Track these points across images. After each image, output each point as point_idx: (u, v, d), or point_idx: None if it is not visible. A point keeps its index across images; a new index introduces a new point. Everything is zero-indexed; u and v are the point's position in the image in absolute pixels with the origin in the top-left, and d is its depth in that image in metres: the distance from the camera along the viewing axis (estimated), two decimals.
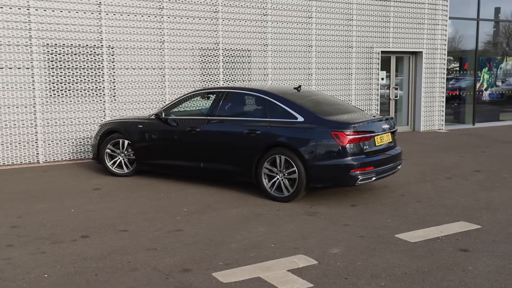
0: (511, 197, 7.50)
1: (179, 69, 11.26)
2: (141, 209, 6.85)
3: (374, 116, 7.68)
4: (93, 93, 10.40)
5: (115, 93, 10.63)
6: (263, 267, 4.87)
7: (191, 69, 11.41)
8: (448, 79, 17.73)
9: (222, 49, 11.72)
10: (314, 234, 5.83)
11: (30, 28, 9.70)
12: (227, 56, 11.80)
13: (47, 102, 9.98)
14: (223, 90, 8.12)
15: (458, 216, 6.52)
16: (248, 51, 12.13)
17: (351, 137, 6.81)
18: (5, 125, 9.64)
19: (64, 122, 10.17)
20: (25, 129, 9.83)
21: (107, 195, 7.59)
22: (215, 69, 11.70)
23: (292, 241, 5.59)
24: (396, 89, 14.84)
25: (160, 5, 10.90)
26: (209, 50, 11.61)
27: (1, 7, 9.45)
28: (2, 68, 9.54)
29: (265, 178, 7.29)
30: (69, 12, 10.00)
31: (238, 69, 11.99)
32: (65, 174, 9.05)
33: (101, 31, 10.34)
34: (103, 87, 10.49)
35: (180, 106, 8.50)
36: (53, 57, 9.97)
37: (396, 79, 15.11)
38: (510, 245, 5.46)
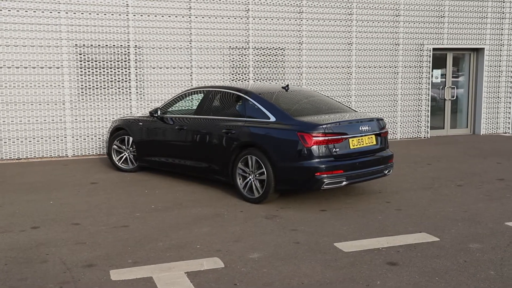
0: (508, 210, 6.75)
1: (207, 68, 11.39)
2: (113, 204, 7.05)
3: (362, 117, 7.25)
4: (120, 91, 10.85)
5: (142, 91, 11.01)
6: (165, 267, 4.83)
7: (219, 68, 11.50)
8: None
9: (253, 48, 11.67)
10: (250, 238, 5.66)
11: (60, 30, 10.32)
12: (257, 55, 11.75)
13: (76, 99, 10.58)
14: (210, 89, 8.13)
15: (425, 227, 6.00)
16: (281, 49, 11.98)
17: (317, 138, 6.51)
18: (36, 120, 10.36)
19: (92, 119, 10.72)
20: (55, 125, 10.49)
21: (96, 190, 7.90)
22: (245, 68, 11.69)
23: (222, 243, 5.47)
24: (453, 88, 13.86)
25: (188, 5, 11.10)
26: (239, 49, 11.62)
27: (34, 11, 10.15)
28: (34, 68, 10.26)
29: (239, 179, 7.20)
30: (97, 14, 10.51)
31: (269, 68, 11.89)
32: (79, 168, 9.53)
33: (128, 31, 10.75)
34: (130, 86, 10.90)
35: (176, 104, 8.62)
36: (81, 57, 10.54)
37: (454, 78, 14.10)
38: (449, 261, 4.94)
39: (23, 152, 10.35)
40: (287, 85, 7.83)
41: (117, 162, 9.15)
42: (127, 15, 10.72)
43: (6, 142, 10.22)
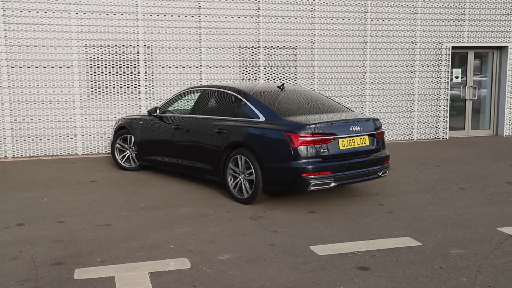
0: (505, 215, 6.46)
1: (216, 67, 11.36)
2: (104, 203, 7.08)
3: (354, 117, 7.06)
4: (129, 91, 10.93)
5: (151, 90, 11.07)
6: (131, 267, 4.80)
7: (229, 67, 11.45)
8: None
9: (263, 47, 11.58)
10: (227, 239, 5.58)
11: (71, 30, 10.48)
12: (268, 54, 11.64)
13: (86, 98, 10.72)
14: (206, 88, 8.09)
15: (411, 231, 5.80)
16: (293, 48, 11.84)
17: (305, 138, 6.37)
18: (47, 119, 10.54)
19: (101, 118, 10.84)
20: (65, 123, 10.66)
21: (93, 188, 7.96)
22: (255, 67, 11.61)
23: (196, 244, 5.41)
24: (474, 88, 13.41)
25: (197, 5, 11.09)
26: (249, 48, 11.54)
27: (45, 12, 10.34)
28: (45, 67, 10.45)
29: (230, 179, 7.13)
30: (107, 14, 10.62)
31: (280, 67, 11.77)
32: (85, 166, 9.63)
33: (138, 31, 10.82)
34: (139, 85, 10.98)
35: (174, 103, 8.62)
36: (91, 57, 10.67)
37: (476, 77, 13.64)
38: (424, 267, 4.74)
39: (34, 150, 10.54)
40: (283, 84, 7.71)
41: (119, 161, 9.22)
42: (136, 15, 10.80)
43: (17, 140, 10.43)
